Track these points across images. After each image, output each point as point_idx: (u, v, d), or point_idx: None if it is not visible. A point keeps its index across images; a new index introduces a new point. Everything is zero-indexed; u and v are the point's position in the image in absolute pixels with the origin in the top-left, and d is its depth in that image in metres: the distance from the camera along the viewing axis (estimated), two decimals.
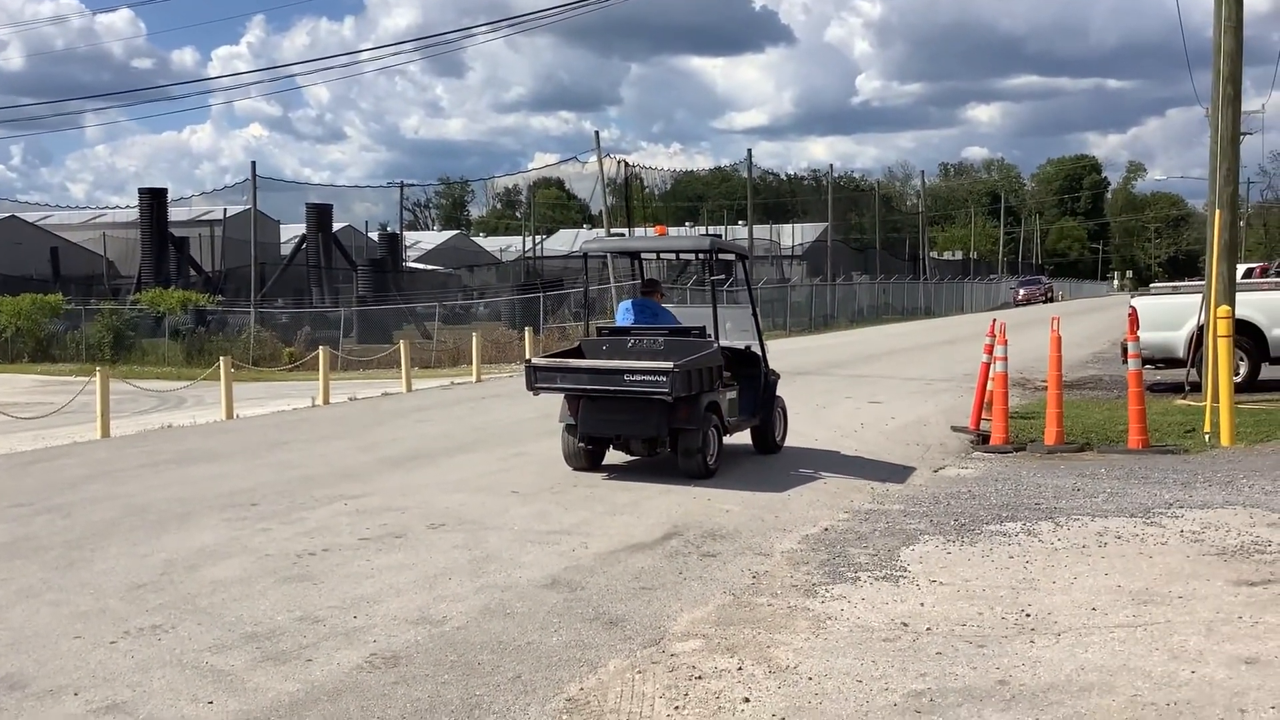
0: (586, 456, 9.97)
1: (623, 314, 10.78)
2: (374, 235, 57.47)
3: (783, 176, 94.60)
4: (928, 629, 5.50)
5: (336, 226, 47.05)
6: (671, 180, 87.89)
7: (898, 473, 10.18)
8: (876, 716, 4.43)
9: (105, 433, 14.28)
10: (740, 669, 4.99)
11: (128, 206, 47.10)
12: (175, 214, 45.12)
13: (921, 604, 5.93)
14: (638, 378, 8.99)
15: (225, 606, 6.03)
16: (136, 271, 41.00)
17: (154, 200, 40.93)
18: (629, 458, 10.32)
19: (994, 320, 12.93)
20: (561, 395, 9.76)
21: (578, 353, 10.15)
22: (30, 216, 51.37)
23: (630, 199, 42.09)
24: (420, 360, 27.74)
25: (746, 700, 4.63)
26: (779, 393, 11.17)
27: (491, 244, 75.61)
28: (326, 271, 41.98)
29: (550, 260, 54.17)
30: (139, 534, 7.82)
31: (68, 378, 27.24)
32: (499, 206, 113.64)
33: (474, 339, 23.81)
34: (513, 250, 64.61)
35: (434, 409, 16.35)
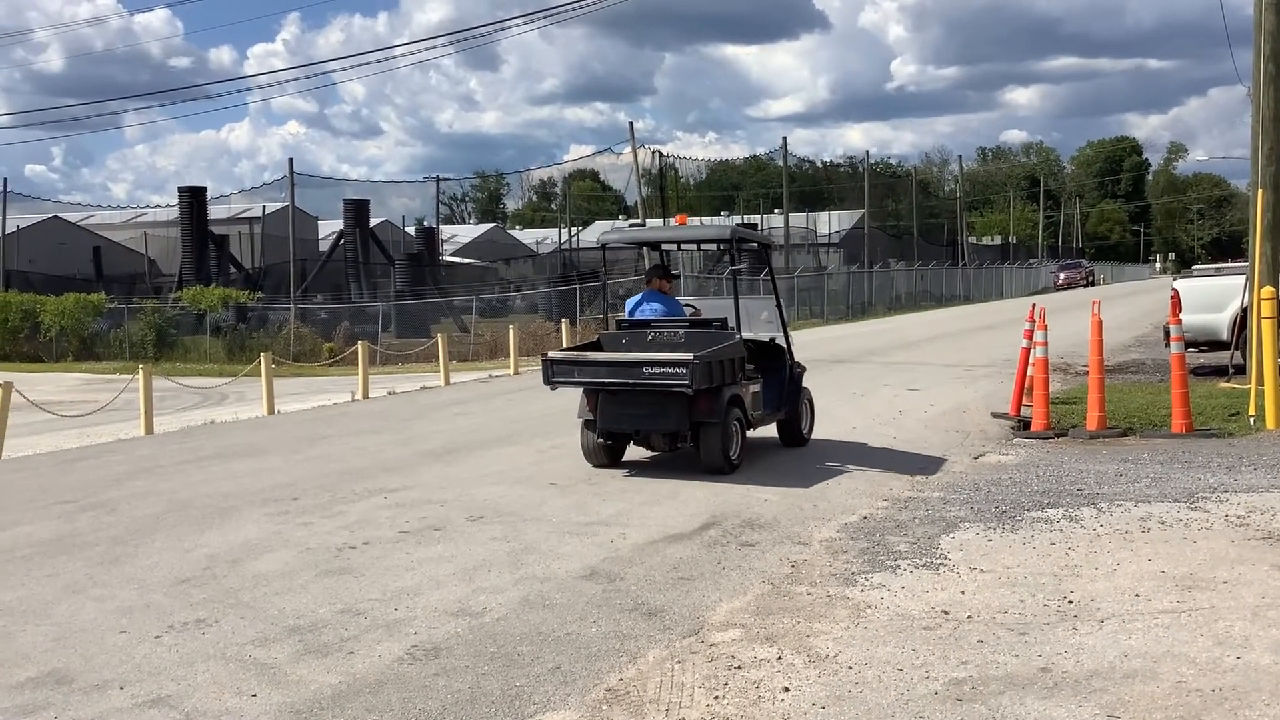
0: (606, 452, 9.77)
1: (631, 307, 10.43)
2: (411, 230, 57.75)
3: (818, 164, 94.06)
4: (969, 617, 5.47)
5: (374, 221, 47.30)
6: (707, 169, 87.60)
7: (937, 460, 10.12)
8: (917, 705, 4.40)
9: (149, 429, 14.45)
10: (780, 658, 4.98)
11: (168, 205, 47.55)
12: (215, 212, 45.57)
13: (962, 592, 5.89)
14: (657, 370, 8.76)
15: (268, 600, 6.08)
16: (177, 269, 41.42)
17: (193, 199, 41.32)
18: (651, 453, 10.21)
19: (1034, 305, 12.81)
20: (580, 390, 9.59)
21: (597, 346, 9.97)
22: (72, 217, 51.96)
23: (665, 189, 42.09)
24: (458, 354, 27.87)
25: (786, 690, 4.62)
26: (805, 385, 10.90)
27: (527, 236, 75.83)
28: (364, 267, 42.23)
29: (586, 252, 54.22)
30: (182, 529, 7.90)
31: (111, 376, 27.58)
32: (534, 199, 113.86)
33: (511, 332, 23.91)
34: (549, 243, 64.74)
35: (472, 402, 16.42)
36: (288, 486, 9.45)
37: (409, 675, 4.91)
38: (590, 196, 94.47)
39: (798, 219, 56.91)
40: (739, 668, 4.89)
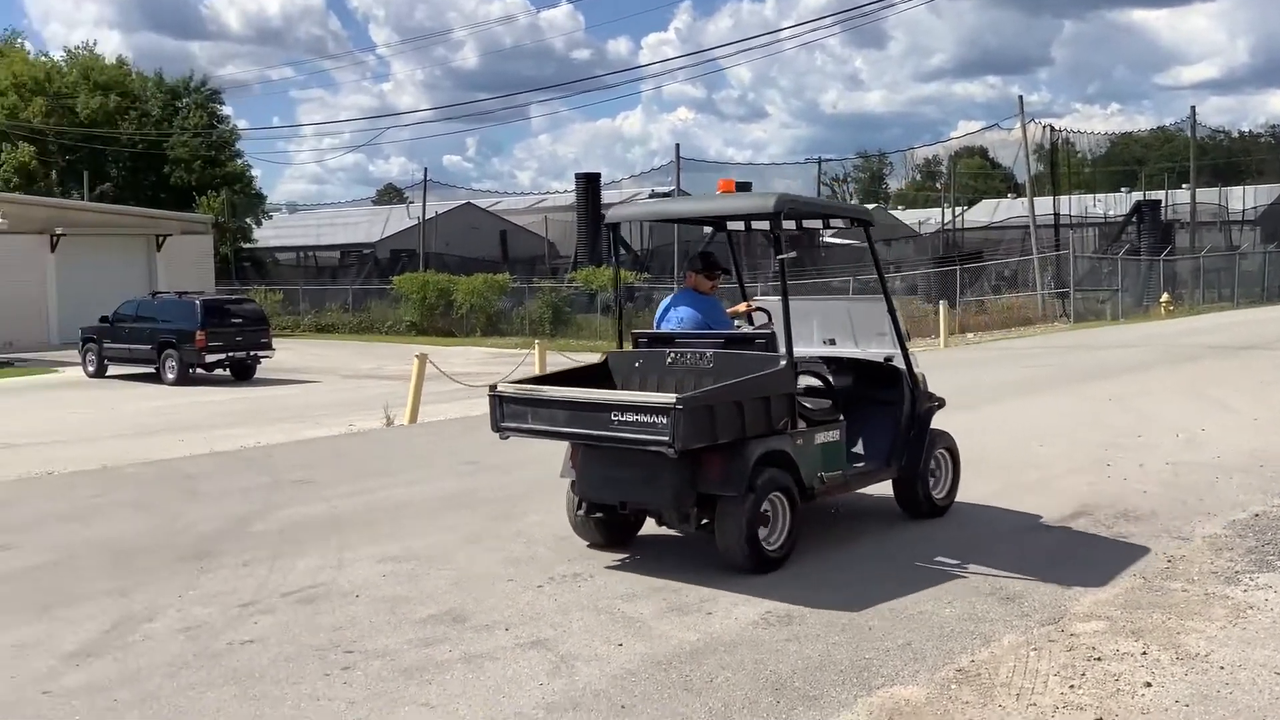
0: (599, 528, 6.81)
1: (660, 314, 7.52)
2: None
3: (1235, 134, 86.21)
4: None
5: None
6: (1107, 143, 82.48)
7: None
8: None
9: None
10: (1144, 654, 4.79)
11: (566, 191, 50.55)
12: (607, 197, 47.77)
13: None
14: (628, 418, 5.95)
15: (636, 561, 6.49)
16: (573, 252, 43.94)
17: (589, 185, 43.62)
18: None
19: None
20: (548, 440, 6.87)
21: (604, 369, 7.25)
22: (483, 203, 56.28)
23: (1056, 165, 40.02)
24: None
25: (1148, 685, 4.45)
26: (946, 428, 7.67)
27: (909, 216, 74.38)
28: (746, 248, 43.10)
29: (970, 232, 52.61)
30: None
31: (513, 350, 29.73)
32: (918, 178, 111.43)
33: None
34: (931, 222, 63.25)
35: None
36: None
37: (762, 638, 5.11)
38: (977, 174, 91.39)
39: (1208, 194, 52.53)
40: (1099, 659, 4.74)
